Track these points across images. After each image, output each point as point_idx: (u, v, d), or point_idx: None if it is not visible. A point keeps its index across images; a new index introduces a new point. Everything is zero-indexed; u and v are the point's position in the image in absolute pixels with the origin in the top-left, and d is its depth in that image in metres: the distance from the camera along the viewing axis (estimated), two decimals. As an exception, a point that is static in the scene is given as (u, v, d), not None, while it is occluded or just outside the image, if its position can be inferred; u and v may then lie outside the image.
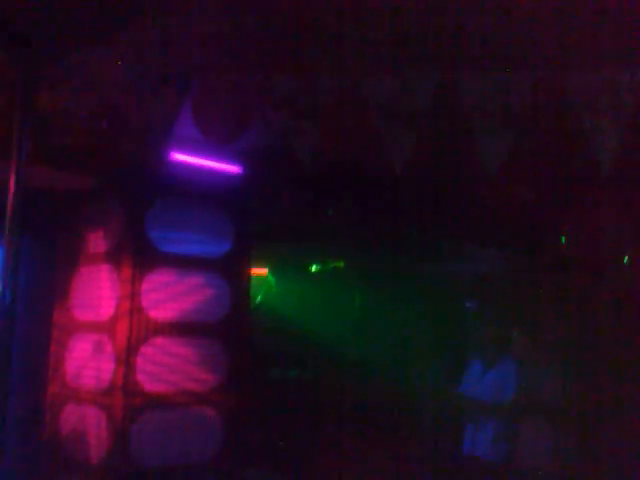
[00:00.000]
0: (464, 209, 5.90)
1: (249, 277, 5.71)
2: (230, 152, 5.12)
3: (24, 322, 5.17)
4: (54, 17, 2.93)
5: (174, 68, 3.70)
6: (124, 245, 5.03)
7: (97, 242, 5.30)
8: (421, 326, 7.69)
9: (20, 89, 2.88)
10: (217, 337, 5.33)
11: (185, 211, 5.31)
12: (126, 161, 4.69)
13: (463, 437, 5.56)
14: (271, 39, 3.47)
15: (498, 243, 6.76)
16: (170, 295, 5.15)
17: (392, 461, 6.60)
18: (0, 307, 3.11)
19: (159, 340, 5.01)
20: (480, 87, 3.71)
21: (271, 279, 8.50)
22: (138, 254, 4.99)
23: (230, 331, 5.39)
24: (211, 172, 5.21)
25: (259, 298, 8.31)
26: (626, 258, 5.84)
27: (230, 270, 5.49)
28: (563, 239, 6.27)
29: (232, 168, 5.30)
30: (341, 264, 8.44)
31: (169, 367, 5.06)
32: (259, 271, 8.36)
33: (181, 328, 5.14)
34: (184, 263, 5.24)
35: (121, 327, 4.87)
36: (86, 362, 5.17)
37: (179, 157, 4.99)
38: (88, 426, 5.03)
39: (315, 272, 8.64)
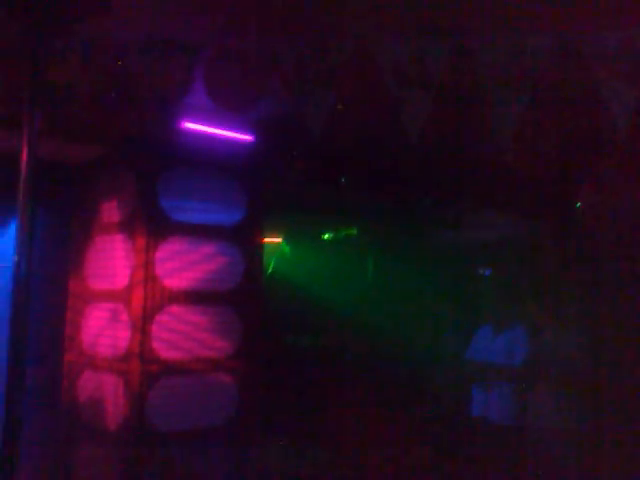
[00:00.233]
0: (478, 176, 5.84)
1: (262, 245, 5.73)
2: (242, 121, 5.08)
3: (40, 292, 5.24)
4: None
5: (185, 36, 3.65)
6: (137, 214, 5.05)
7: (111, 212, 5.32)
8: (434, 293, 7.71)
9: (29, 61, 2.86)
10: (231, 305, 5.38)
11: (197, 180, 5.31)
12: (138, 131, 4.67)
13: (472, 399, 5.63)
14: (283, 5, 3.41)
15: (513, 210, 6.71)
16: (184, 264, 5.18)
17: (403, 423, 6.68)
18: (15, 277, 3.14)
19: (174, 308, 5.06)
20: (496, 52, 3.64)
21: (285, 247, 8.52)
22: (151, 223, 5.00)
23: (243, 299, 5.43)
24: (223, 141, 5.18)
25: (271, 266, 8.34)
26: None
27: (243, 238, 5.50)
28: (578, 205, 6.21)
29: (244, 137, 5.26)
30: (354, 232, 8.43)
31: (184, 334, 5.12)
32: (273, 240, 8.38)
33: (195, 296, 5.18)
34: (197, 232, 5.26)
35: (136, 296, 4.92)
36: (102, 330, 5.24)
37: (191, 126, 4.96)
38: (105, 393, 5.12)
39: (328, 240, 8.63)
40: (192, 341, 5.16)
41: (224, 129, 5.15)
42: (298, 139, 5.01)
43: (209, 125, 5.06)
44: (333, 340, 8.07)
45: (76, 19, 2.90)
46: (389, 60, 3.58)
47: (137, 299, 4.91)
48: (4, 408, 3.25)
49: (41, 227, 4.45)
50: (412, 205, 6.73)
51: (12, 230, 5.32)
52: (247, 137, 5.27)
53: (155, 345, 4.92)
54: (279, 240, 8.57)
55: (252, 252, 5.55)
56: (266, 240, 6.39)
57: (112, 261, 5.24)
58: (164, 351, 4.97)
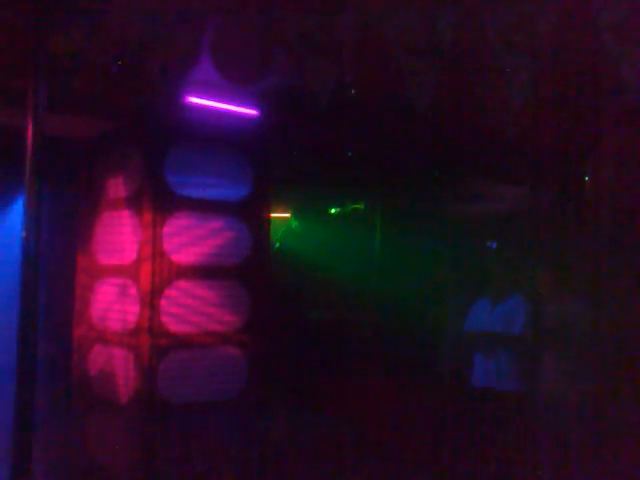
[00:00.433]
0: (487, 147, 5.79)
1: (269, 220, 5.72)
2: (248, 94, 5.04)
3: (49, 267, 5.27)
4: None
5: (190, 7, 3.60)
6: (144, 190, 5.04)
7: (117, 187, 5.32)
8: (442, 266, 7.71)
9: (33, 36, 2.84)
10: (238, 279, 5.40)
11: (203, 155, 5.29)
12: (143, 105, 4.65)
13: (472, 368, 5.69)
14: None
15: (521, 182, 6.68)
16: (191, 239, 5.19)
17: (406, 393, 6.75)
18: (24, 252, 3.16)
19: (182, 283, 5.08)
20: (503, 20, 3.58)
21: (294, 222, 8.52)
22: (158, 198, 5.00)
23: (251, 273, 5.45)
24: (229, 115, 5.14)
25: (278, 240, 8.35)
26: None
27: (250, 213, 5.50)
28: (586, 177, 6.17)
29: (250, 111, 5.23)
30: (361, 206, 8.41)
31: (193, 309, 5.15)
32: (281, 215, 8.38)
33: (203, 271, 5.20)
34: (204, 207, 5.26)
35: (144, 271, 4.94)
36: (111, 305, 5.28)
37: (196, 100, 4.93)
38: (116, 366, 5.18)
39: (335, 214, 8.62)
40: (201, 315, 5.20)
41: (230, 103, 5.12)
42: (305, 112, 4.97)
43: (215, 100, 5.03)
44: (341, 313, 8.11)
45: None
46: (396, 29, 3.53)
47: (145, 274, 4.93)
48: (17, 383, 3.29)
49: (48, 203, 4.45)
50: (420, 178, 6.69)
51: (19, 206, 5.35)
52: (253, 111, 5.24)
53: (164, 319, 4.96)
54: (287, 215, 8.57)
55: (259, 227, 5.55)
56: (274, 215, 6.38)
57: (120, 236, 5.26)
58: (173, 325, 5.01)
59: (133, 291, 5.05)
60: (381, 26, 3.51)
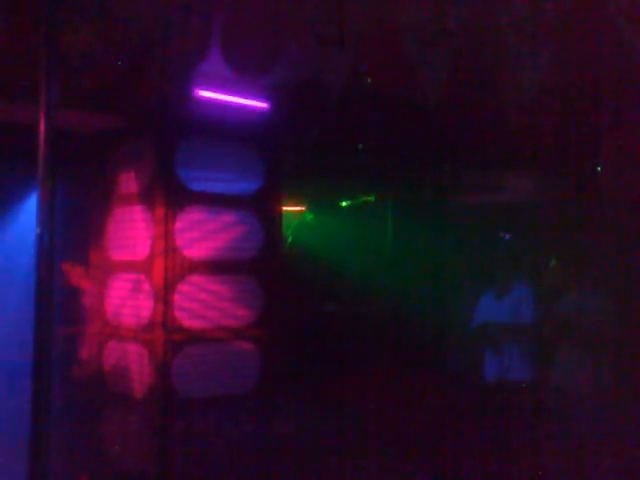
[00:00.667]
0: (499, 138, 5.74)
1: (281, 213, 5.71)
2: (258, 88, 5.02)
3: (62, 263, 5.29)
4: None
5: (199, 1, 3.59)
6: (155, 185, 5.04)
7: (129, 183, 5.32)
8: (453, 257, 7.67)
9: (44, 32, 2.83)
10: (251, 273, 5.39)
11: (215, 149, 5.28)
12: (154, 100, 4.64)
13: (483, 360, 5.68)
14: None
15: (534, 173, 6.62)
16: (203, 233, 5.19)
17: (419, 386, 6.73)
18: (38, 248, 3.16)
19: (195, 278, 5.08)
20: (514, 6, 3.54)
21: (308, 215, 8.51)
22: (170, 194, 5.00)
23: (263, 267, 5.44)
24: (240, 109, 5.13)
25: (290, 234, 8.35)
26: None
27: (261, 207, 5.49)
28: (599, 168, 6.12)
29: (261, 104, 5.21)
30: (371, 198, 8.39)
31: (205, 304, 5.16)
32: (293, 208, 8.37)
33: (215, 266, 5.20)
34: (215, 201, 5.25)
35: (157, 266, 4.94)
36: (125, 300, 5.29)
37: (207, 94, 4.91)
38: (131, 362, 5.19)
39: (346, 207, 8.60)
40: (214, 310, 5.20)
41: (240, 97, 5.10)
42: (315, 105, 4.95)
43: (226, 93, 5.01)
44: (353, 306, 8.09)
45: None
46: (407, 19, 3.50)
47: (158, 269, 4.93)
48: (33, 378, 3.30)
49: (60, 199, 4.47)
50: (431, 169, 6.65)
51: (32, 203, 5.37)
52: (263, 104, 5.22)
53: (177, 314, 4.97)
54: (301, 209, 8.56)
55: (271, 220, 5.54)
56: (286, 208, 6.37)
57: (132, 232, 5.26)
58: (186, 320, 5.02)
59: (146, 286, 5.05)
60: (392, 16, 3.48)
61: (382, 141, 5.88)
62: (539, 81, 3.85)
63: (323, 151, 6.13)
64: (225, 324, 5.23)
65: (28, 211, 5.37)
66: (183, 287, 5.01)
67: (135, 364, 5.13)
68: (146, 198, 5.12)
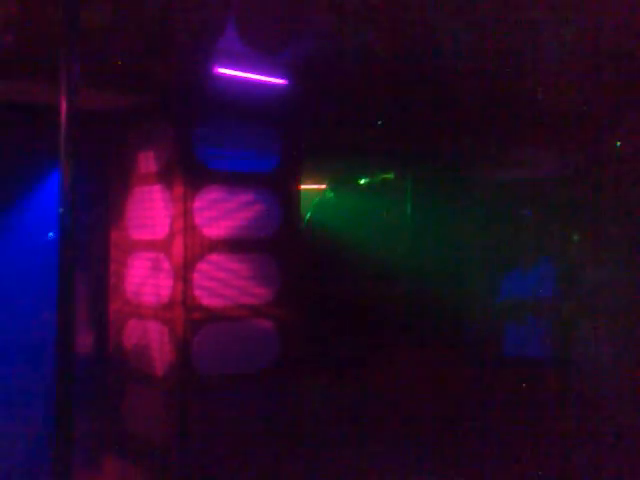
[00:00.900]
0: (521, 112, 5.65)
1: (299, 192, 5.69)
2: (276, 64, 4.97)
3: (83, 242, 5.32)
4: None
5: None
6: (174, 164, 5.04)
7: (148, 162, 5.32)
8: (474, 234, 7.62)
9: (64, 10, 2.81)
10: (269, 252, 5.39)
11: (233, 127, 5.26)
12: (172, 79, 4.61)
13: (507, 337, 5.68)
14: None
15: (556, 147, 6.53)
16: (222, 212, 5.19)
17: (439, 363, 6.74)
18: (61, 229, 3.17)
19: (214, 256, 5.10)
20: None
21: (328, 193, 8.47)
22: (188, 172, 5.00)
23: (281, 246, 5.44)
24: (258, 86, 5.08)
25: (310, 212, 8.33)
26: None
27: (280, 185, 5.47)
28: (618, 143, 6.03)
29: (279, 81, 5.16)
30: (391, 176, 8.32)
31: (225, 282, 5.17)
32: (315, 186, 8.34)
33: (234, 244, 5.20)
34: (234, 180, 5.24)
35: (177, 245, 4.96)
36: (145, 279, 5.33)
37: (225, 71, 4.87)
38: (150, 340, 5.24)
39: (365, 185, 8.55)
40: (232, 288, 5.22)
41: (259, 73, 5.05)
42: (335, 80, 4.89)
43: (244, 70, 4.96)
44: (375, 283, 8.08)
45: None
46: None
47: (178, 248, 4.95)
48: (56, 356, 3.34)
49: (81, 178, 4.48)
50: (451, 145, 6.57)
51: (51, 184, 5.40)
52: (282, 81, 5.17)
53: (197, 293, 4.99)
54: (320, 187, 8.53)
55: (289, 199, 5.52)
56: (305, 187, 6.34)
57: (151, 211, 5.28)
58: (206, 299, 5.04)
59: (166, 265, 5.08)
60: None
61: (402, 117, 5.81)
62: (564, 54, 3.77)
63: (342, 128, 6.07)
64: (244, 302, 5.25)
65: (49, 191, 5.40)
66: (202, 266, 5.03)
67: (155, 342, 5.18)
68: (165, 177, 5.12)
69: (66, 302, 3.27)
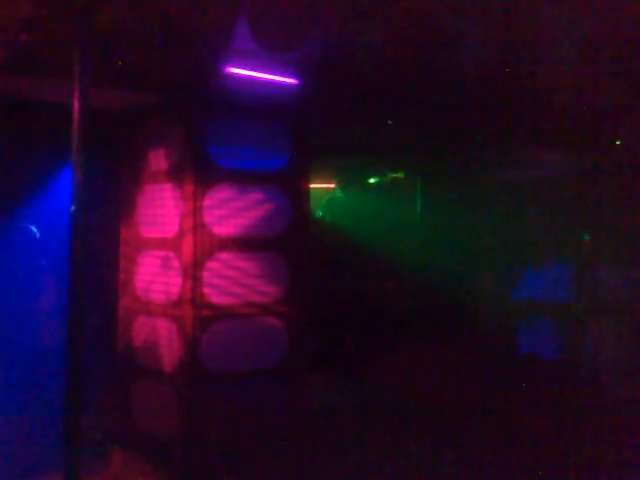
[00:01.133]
0: (531, 112, 5.63)
1: (308, 190, 5.70)
2: (287, 63, 4.98)
3: (94, 239, 5.35)
4: None
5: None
6: (184, 162, 5.06)
7: (159, 160, 5.35)
8: (484, 232, 7.60)
9: (77, 10, 2.83)
10: (278, 250, 5.40)
11: (243, 126, 5.27)
12: (183, 77, 4.63)
13: (519, 337, 5.68)
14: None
15: (566, 147, 6.50)
16: (232, 210, 5.20)
17: (453, 364, 6.73)
18: (73, 225, 3.20)
19: (223, 255, 5.11)
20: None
21: (339, 193, 8.48)
22: (198, 170, 5.01)
23: (291, 244, 5.45)
24: (268, 85, 5.10)
25: (320, 211, 8.34)
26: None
27: (289, 184, 5.48)
28: (618, 142, 6.00)
29: (289, 80, 5.17)
30: (401, 174, 8.32)
31: (234, 280, 5.19)
32: (323, 185, 8.35)
33: (244, 243, 5.22)
34: (244, 178, 5.26)
35: (186, 243, 4.98)
36: (155, 277, 5.35)
37: (235, 70, 4.89)
38: (159, 337, 5.27)
39: (375, 184, 8.55)
40: (242, 287, 5.23)
41: (269, 72, 5.07)
42: (345, 79, 4.89)
43: (254, 69, 4.98)
44: (384, 282, 8.08)
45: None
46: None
47: (187, 246, 4.97)
48: (67, 351, 3.37)
49: (92, 176, 4.52)
50: (461, 144, 6.56)
51: (65, 180, 5.44)
52: (292, 80, 5.18)
53: (206, 291, 5.01)
54: (330, 185, 8.54)
55: (299, 197, 5.53)
56: (315, 185, 6.35)
57: (162, 209, 5.30)
58: (215, 297, 5.06)
59: (175, 263, 5.10)
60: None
61: (411, 116, 5.80)
62: (575, 54, 3.76)
63: (352, 127, 6.07)
64: (253, 300, 5.27)
65: (61, 188, 5.44)
66: (212, 264, 5.05)
67: (164, 339, 5.20)
68: (175, 175, 5.15)
69: (77, 297, 3.31)
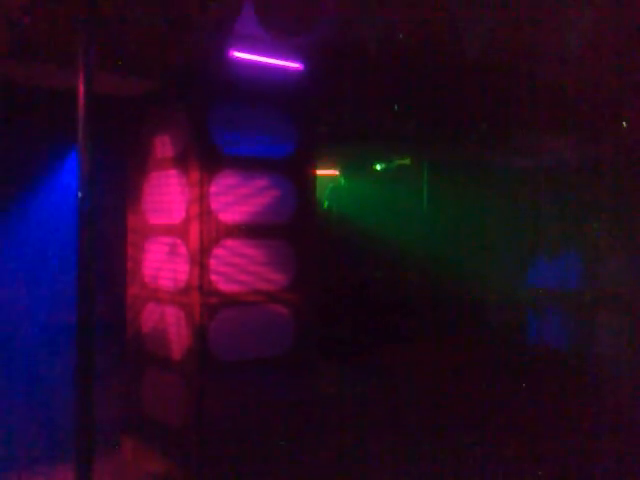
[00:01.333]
0: (540, 99, 5.59)
1: (315, 177, 5.68)
2: (293, 49, 4.94)
3: (101, 227, 5.35)
4: None
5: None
6: (190, 148, 5.04)
7: (165, 147, 5.33)
8: (490, 220, 7.58)
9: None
10: (285, 238, 5.40)
11: (248, 112, 5.25)
12: (188, 63, 4.60)
13: (529, 327, 5.66)
14: None
15: (573, 135, 6.46)
16: (238, 198, 5.19)
17: (462, 352, 6.73)
18: (80, 212, 3.20)
19: (230, 242, 5.11)
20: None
21: (342, 180, 8.45)
22: (204, 157, 5.00)
23: (297, 231, 5.44)
24: (274, 70, 5.07)
25: (325, 198, 8.32)
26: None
27: (295, 170, 5.46)
28: (624, 124, 5.94)
29: (295, 65, 5.14)
30: (407, 161, 8.28)
31: (241, 268, 5.19)
32: (328, 172, 8.31)
33: (250, 230, 5.21)
34: (249, 165, 5.24)
35: (193, 230, 4.98)
36: (162, 264, 5.36)
37: (241, 56, 4.85)
38: (168, 324, 5.28)
39: (382, 170, 8.51)
40: (248, 274, 5.23)
41: (275, 58, 5.03)
42: (351, 66, 4.85)
43: (260, 54, 4.95)
44: (391, 271, 8.07)
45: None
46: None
47: (194, 233, 4.97)
48: (77, 340, 3.38)
49: (97, 163, 4.52)
50: (468, 131, 6.51)
51: (68, 167, 5.44)
52: (298, 66, 5.14)
53: (213, 278, 5.01)
54: (335, 173, 8.50)
55: (305, 184, 5.51)
56: (321, 173, 6.32)
57: (168, 196, 5.29)
58: (222, 284, 5.06)
59: (183, 250, 5.10)
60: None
61: (418, 103, 5.76)
62: (581, 41, 3.71)
63: (359, 113, 6.04)
64: (260, 288, 5.26)
65: (66, 176, 5.43)
66: (218, 251, 5.04)
67: (173, 326, 5.21)
68: (181, 162, 5.13)
69: (86, 285, 3.31)
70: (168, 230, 5.30)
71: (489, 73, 4.96)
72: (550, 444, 5.18)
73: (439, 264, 7.48)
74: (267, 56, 5.01)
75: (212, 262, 5.00)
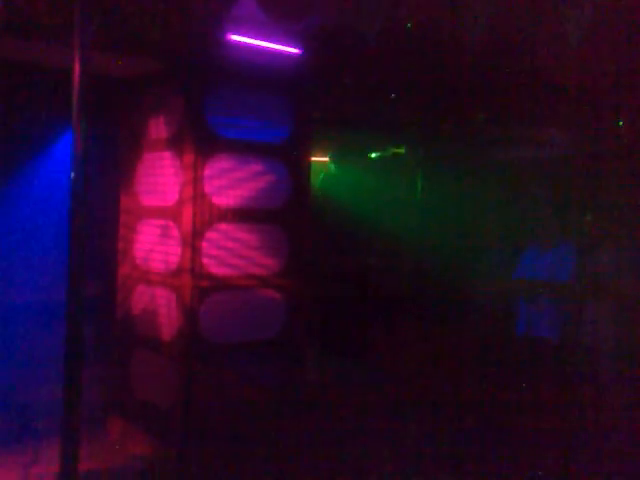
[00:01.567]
0: (537, 89, 5.58)
1: (309, 163, 5.67)
2: (291, 32, 4.91)
3: (93, 207, 5.33)
4: None
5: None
6: (184, 131, 5.02)
7: (158, 128, 5.31)
8: (484, 211, 7.59)
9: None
10: (278, 223, 5.40)
11: (244, 95, 5.22)
12: (185, 45, 4.56)
13: (518, 318, 5.69)
14: None
15: (568, 126, 6.46)
16: (231, 181, 5.18)
17: (450, 343, 6.77)
18: (73, 193, 3.18)
19: (222, 225, 5.10)
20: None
21: (332, 166, 8.43)
22: (198, 140, 4.97)
23: (290, 217, 5.44)
24: (270, 54, 5.03)
25: (319, 185, 8.30)
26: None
27: (290, 155, 5.45)
28: (621, 123, 5.95)
29: (292, 50, 5.10)
30: (402, 150, 8.26)
31: (233, 252, 5.19)
32: (320, 159, 8.28)
33: (243, 214, 5.20)
34: (244, 149, 5.22)
35: (186, 212, 4.97)
36: (154, 246, 5.35)
37: (237, 38, 4.82)
38: (158, 306, 5.28)
39: (375, 159, 8.49)
40: (241, 258, 5.23)
41: (272, 41, 4.99)
42: (349, 51, 4.83)
43: (256, 37, 4.91)
44: (382, 259, 8.09)
45: None
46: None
47: (187, 216, 4.96)
48: (66, 319, 3.37)
49: (93, 143, 4.49)
50: (465, 121, 6.51)
51: (62, 147, 5.40)
52: (296, 50, 5.11)
53: (205, 261, 5.00)
54: (326, 159, 8.48)
55: (300, 169, 5.50)
56: (314, 159, 6.31)
57: (161, 178, 5.28)
58: (214, 267, 5.06)
59: (175, 232, 5.09)
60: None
61: (415, 91, 5.75)
62: (582, 32, 3.70)
63: (355, 100, 6.02)
64: (252, 272, 5.27)
65: (60, 155, 5.40)
66: (211, 234, 5.04)
67: (163, 308, 5.21)
68: (175, 144, 5.11)
69: (77, 265, 3.30)
70: (161, 212, 5.28)
71: (488, 61, 4.94)
72: (544, 422, 5.22)
73: (431, 253, 7.51)
74: (265, 40, 4.97)
75: (204, 245, 5.00)
